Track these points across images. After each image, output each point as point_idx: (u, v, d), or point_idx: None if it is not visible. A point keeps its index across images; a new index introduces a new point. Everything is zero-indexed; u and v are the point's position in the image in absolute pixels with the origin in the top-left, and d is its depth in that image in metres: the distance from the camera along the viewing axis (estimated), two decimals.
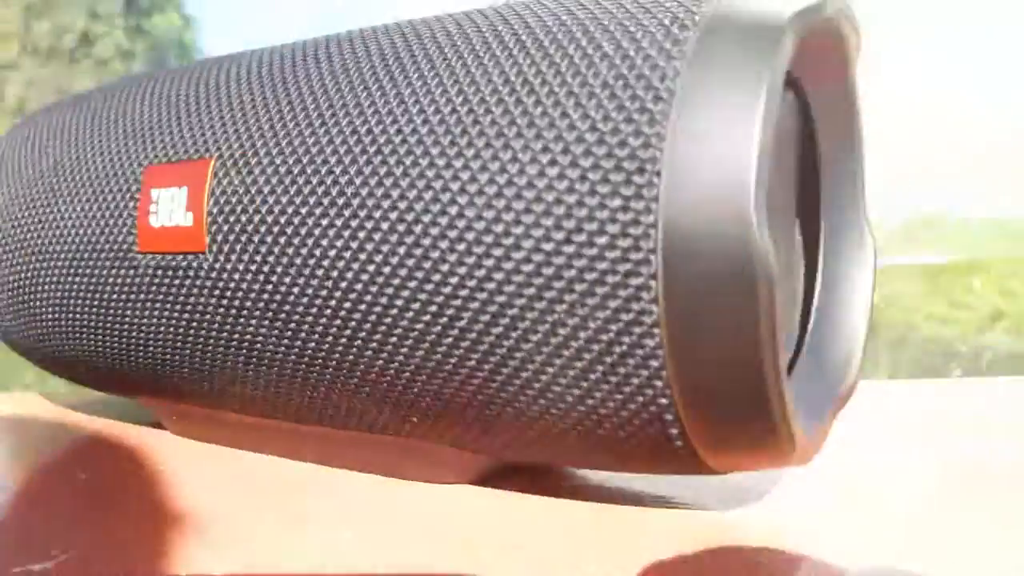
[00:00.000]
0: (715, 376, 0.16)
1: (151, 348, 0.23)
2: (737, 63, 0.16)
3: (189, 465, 0.24)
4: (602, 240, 0.16)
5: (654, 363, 0.17)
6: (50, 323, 0.25)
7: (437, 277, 0.18)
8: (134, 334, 0.23)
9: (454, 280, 0.18)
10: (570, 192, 0.17)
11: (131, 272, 0.22)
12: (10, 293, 0.26)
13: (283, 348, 0.20)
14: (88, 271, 0.23)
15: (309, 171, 0.19)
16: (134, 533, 0.19)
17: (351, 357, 0.19)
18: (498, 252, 0.17)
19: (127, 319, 0.23)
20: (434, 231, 0.18)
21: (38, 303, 0.25)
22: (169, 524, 0.19)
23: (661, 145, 0.16)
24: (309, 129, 0.20)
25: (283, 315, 0.20)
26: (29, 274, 0.25)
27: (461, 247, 0.18)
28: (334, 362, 0.20)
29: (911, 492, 0.23)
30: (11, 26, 0.74)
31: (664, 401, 0.17)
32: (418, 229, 0.18)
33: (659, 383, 0.17)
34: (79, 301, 0.24)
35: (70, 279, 0.24)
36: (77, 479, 0.23)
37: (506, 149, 0.17)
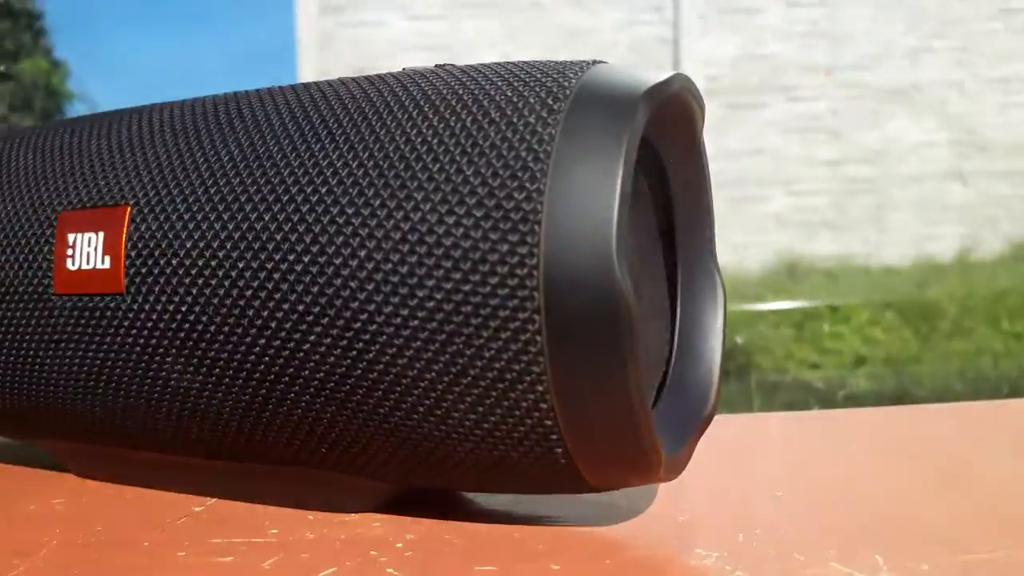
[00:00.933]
0: (591, 402, 0.19)
1: (65, 388, 0.23)
2: (600, 130, 0.19)
3: (96, 504, 0.24)
4: (494, 279, 0.19)
5: (540, 388, 0.19)
6: None
7: (347, 314, 0.20)
8: (48, 374, 0.23)
9: (363, 316, 0.20)
10: (465, 238, 0.19)
11: (47, 313, 0.23)
12: None
13: (197, 385, 0.21)
14: (2, 313, 0.24)
15: (225, 217, 0.21)
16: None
17: (263, 391, 0.21)
18: (403, 290, 0.19)
19: (41, 360, 0.23)
20: (345, 272, 0.20)
21: None
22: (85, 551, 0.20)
23: (541, 199, 0.19)
24: (224, 179, 0.21)
25: (199, 352, 0.21)
26: None
27: (370, 286, 0.20)
28: (247, 397, 0.21)
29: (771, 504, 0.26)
30: None
31: (549, 423, 0.19)
32: (330, 270, 0.20)
33: (544, 406, 0.19)
34: None
35: None
36: None
37: (409, 199, 0.20)
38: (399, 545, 0.21)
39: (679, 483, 0.23)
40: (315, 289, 0.20)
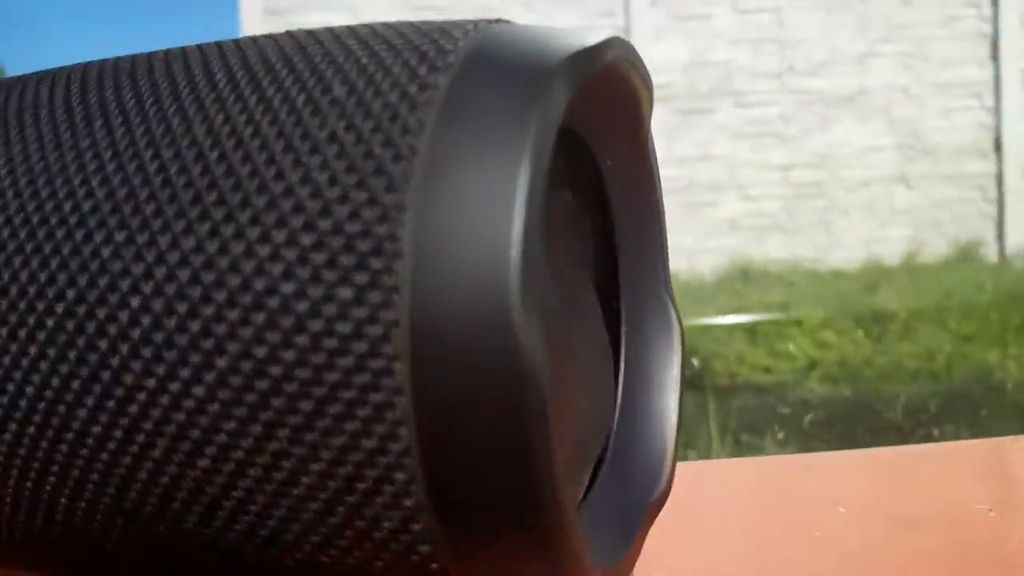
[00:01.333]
0: (483, 517, 0.12)
1: None
2: (497, 113, 0.12)
3: None
4: (331, 342, 0.12)
5: (408, 502, 0.13)
6: None
7: (120, 391, 0.13)
8: None
9: (141, 397, 0.13)
10: (287, 278, 0.12)
11: None
12: None
13: None
14: None
15: None
16: None
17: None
18: (195, 359, 0.13)
19: None
20: (113, 328, 0.13)
21: None
22: None
23: (403, 218, 0.12)
24: None
25: None
26: None
27: (147, 351, 0.13)
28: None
29: None
30: None
31: (426, 549, 0.13)
32: (92, 326, 0.13)
33: (417, 527, 0.13)
34: None
35: None
36: None
37: (203, 221, 0.13)
38: None
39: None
40: (72, 355, 0.13)
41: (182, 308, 0.13)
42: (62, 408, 0.14)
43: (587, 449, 0.17)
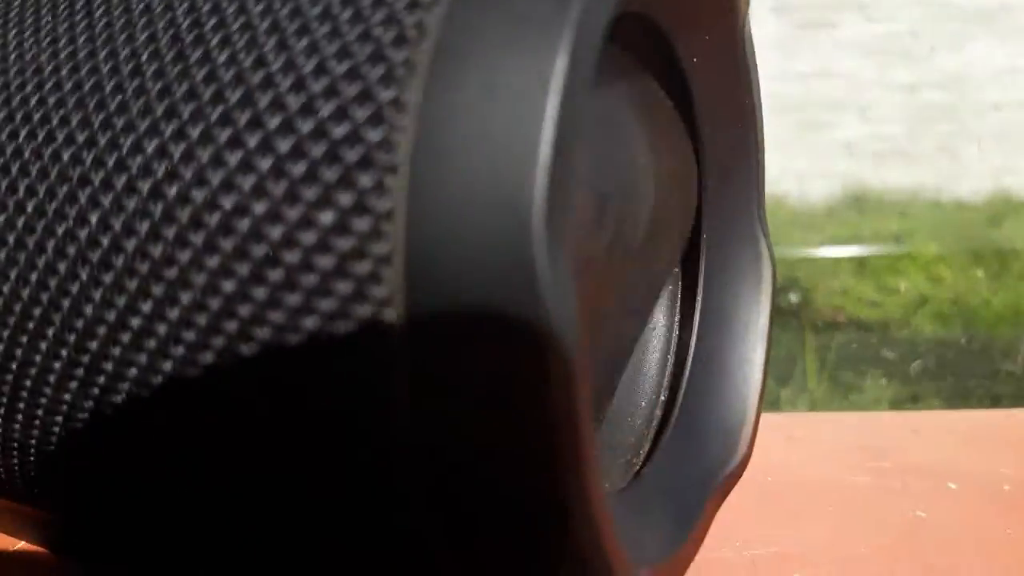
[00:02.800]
0: (488, 531, 0.10)
1: None
2: None
3: None
4: (309, 280, 0.10)
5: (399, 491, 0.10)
6: None
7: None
8: None
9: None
10: (258, 196, 0.10)
11: None
12: None
13: None
14: None
15: None
16: None
17: None
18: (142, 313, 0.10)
19: None
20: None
21: None
22: None
23: (401, 120, 0.09)
24: None
25: None
26: None
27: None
28: None
29: None
30: None
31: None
32: (50, 248, 0.11)
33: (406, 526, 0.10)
34: None
35: None
36: None
37: (169, 119, 0.10)
38: None
39: None
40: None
41: (142, 227, 0.10)
42: (17, 351, 0.12)
43: (632, 415, 0.14)
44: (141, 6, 0.12)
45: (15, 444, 0.13)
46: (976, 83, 3.18)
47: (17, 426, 0.12)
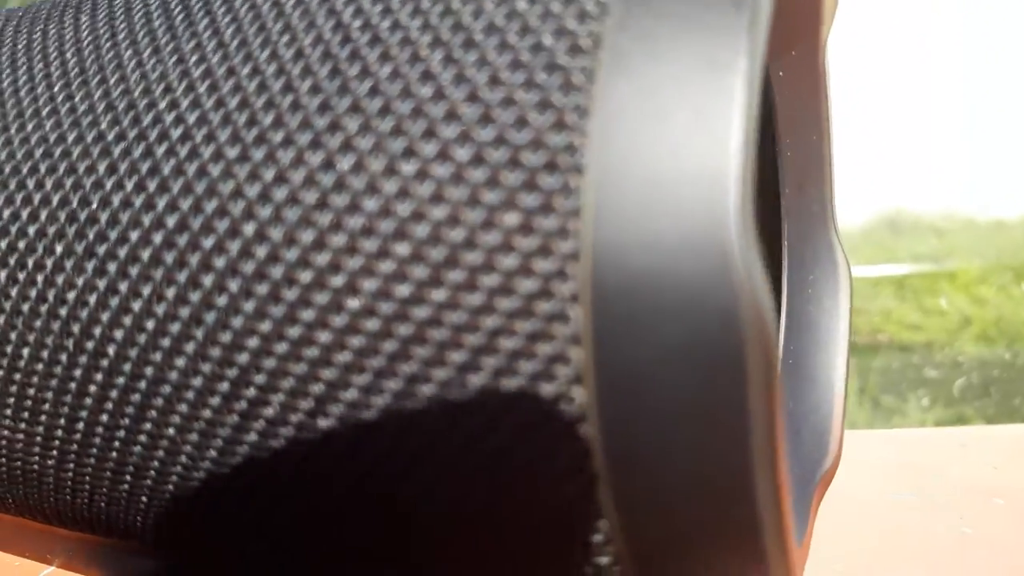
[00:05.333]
0: (683, 507, 0.10)
1: None
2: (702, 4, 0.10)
3: None
4: (491, 281, 0.10)
5: (582, 478, 0.10)
6: None
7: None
8: None
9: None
10: (437, 201, 0.10)
11: None
12: None
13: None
14: None
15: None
16: None
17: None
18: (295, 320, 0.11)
19: None
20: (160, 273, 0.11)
21: None
22: None
23: (584, 124, 0.10)
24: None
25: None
26: None
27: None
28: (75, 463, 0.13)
29: None
30: None
31: (599, 538, 0.11)
32: (194, 261, 0.12)
33: (593, 504, 0.11)
34: None
35: None
36: None
37: (334, 132, 0.11)
38: None
39: None
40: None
41: (307, 237, 0.11)
42: (157, 357, 0.12)
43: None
44: (279, 25, 0.12)
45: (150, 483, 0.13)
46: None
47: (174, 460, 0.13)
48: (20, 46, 0.14)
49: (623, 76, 0.10)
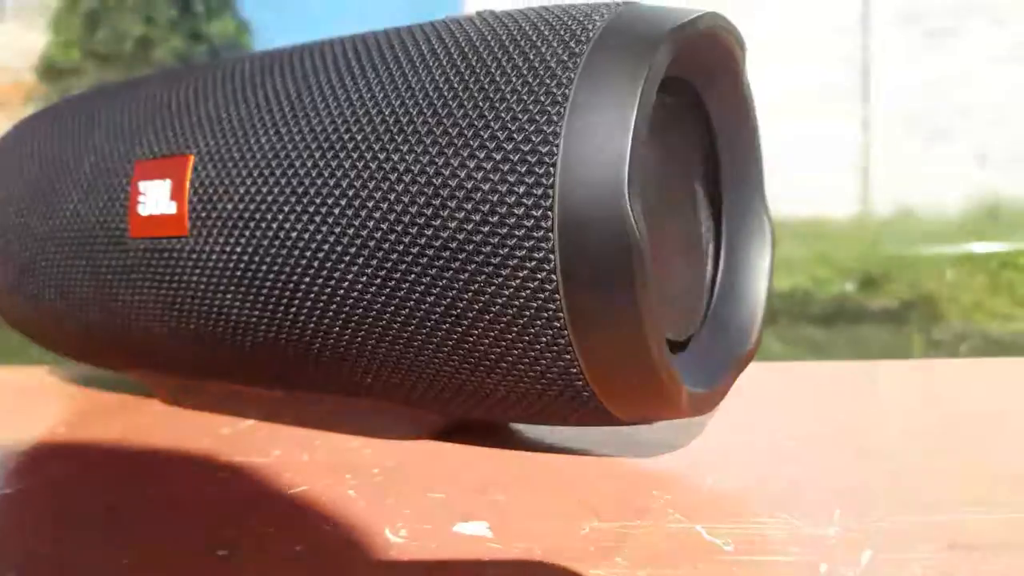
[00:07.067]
0: (605, 336, 0.19)
1: (141, 321, 0.26)
2: (617, 71, 0.19)
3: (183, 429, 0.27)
4: (511, 220, 0.19)
5: (556, 324, 0.20)
6: (53, 303, 0.29)
7: (379, 253, 0.21)
8: (127, 310, 0.26)
9: (393, 256, 0.21)
10: (485, 180, 0.20)
11: (124, 255, 0.26)
12: (16, 278, 0.30)
13: (255, 318, 0.24)
14: (86, 255, 0.27)
15: (274, 164, 0.23)
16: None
17: (312, 324, 0.23)
18: (428, 232, 0.20)
19: (120, 297, 0.26)
20: (377, 214, 0.21)
21: (42, 285, 0.29)
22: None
23: (556, 141, 0.19)
24: (274, 129, 0.23)
25: (254, 289, 0.23)
26: (33, 261, 0.29)
27: (398, 227, 0.21)
28: (298, 329, 0.23)
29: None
30: (73, 34, 0.79)
31: (568, 357, 0.20)
32: (363, 213, 0.21)
33: (562, 342, 0.20)
34: (79, 282, 0.27)
35: (70, 263, 0.27)
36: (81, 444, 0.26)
37: (434, 144, 0.20)
38: (375, 471, 0.22)
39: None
40: (351, 231, 0.21)
41: (421, 199, 0.21)
42: (341, 265, 0.22)
43: (679, 306, 0.24)
44: (428, 77, 0.21)
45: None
46: None
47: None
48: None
49: (576, 115, 0.19)
